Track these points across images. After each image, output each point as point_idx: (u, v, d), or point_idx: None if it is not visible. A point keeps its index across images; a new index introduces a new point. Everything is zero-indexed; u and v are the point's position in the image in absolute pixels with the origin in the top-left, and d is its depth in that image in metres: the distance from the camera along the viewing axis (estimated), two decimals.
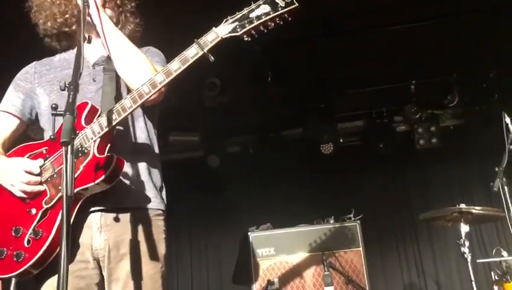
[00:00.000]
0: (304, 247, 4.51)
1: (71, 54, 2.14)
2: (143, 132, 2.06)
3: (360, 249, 4.47)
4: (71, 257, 1.84)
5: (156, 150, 2.11)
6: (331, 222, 4.68)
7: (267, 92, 5.22)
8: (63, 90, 1.66)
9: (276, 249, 4.54)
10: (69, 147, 1.48)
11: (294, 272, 4.44)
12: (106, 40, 1.96)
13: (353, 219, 4.63)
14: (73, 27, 2.08)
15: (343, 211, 4.78)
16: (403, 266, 5.89)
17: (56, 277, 1.78)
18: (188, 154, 6.29)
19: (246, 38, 1.82)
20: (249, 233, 4.65)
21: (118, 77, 2.01)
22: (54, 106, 1.63)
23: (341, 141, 6.12)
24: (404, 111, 5.84)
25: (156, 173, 2.06)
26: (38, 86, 2.10)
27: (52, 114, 1.62)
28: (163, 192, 2.08)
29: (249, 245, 4.58)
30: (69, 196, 1.45)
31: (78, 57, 1.70)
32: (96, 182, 1.77)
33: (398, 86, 5.60)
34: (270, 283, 4.37)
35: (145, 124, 2.08)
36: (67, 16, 2.07)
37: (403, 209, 5.94)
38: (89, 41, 2.06)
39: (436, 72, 5.44)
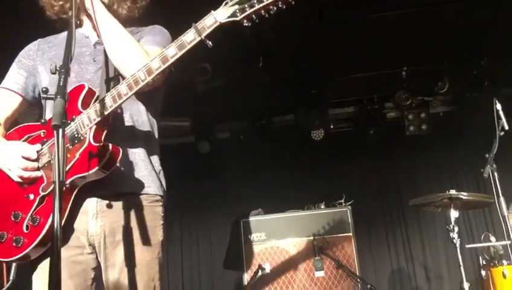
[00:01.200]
0: (295, 232, 4.54)
1: (76, 32, 2.10)
2: (141, 116, 2.03)
3: (351, 234, 4.51)
4: (66, 242, 1.83)
5: (156, 135, 2.08)
6: (322, 207, 4.71)
7: (258, 78, 5.20)
8: (54, 73, 1.60)
9: (267, 234, 4.56)
10: (60, 130, 1.45)
11: (285, 257, 4.47)
12: (98, 26, 1.92)
13: (344, 204, 4.66)
14: (70, 12, 2.03)
15: (334, 197, 4.80)
16: (391, 252, 5.96)
17: (44, 265, 1.81)
18: (179, 140, 6.26)
19: (246, 24, 1.73)
20: (240, 218, 4.66)
21: None
22: (44, 89, 1.59)
23: (332, 127, 6.12)
24: (394, 98, 5.85)
25: (155, 159, 2.04)
26: (40, 63, 2.08)
27: (43, 97, 1.59)
28: (162, 178, 2.06)
29: (240, 230, 4.60)
30: (61, 182, 1.42)
31: (70, 39, 1.66)
32: (91, 171, 1.75)
33: (389, 73, 5.61)
34: (261, 267, 4.40)
35: (144, 109, 2.05)
36: (61, 2, 2.06)
37: (392, 195, 6.00)
38: (80, 26, 2.02)
39: (427, 59, 5.45)
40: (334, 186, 5.48)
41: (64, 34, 2.11)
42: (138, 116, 2.01)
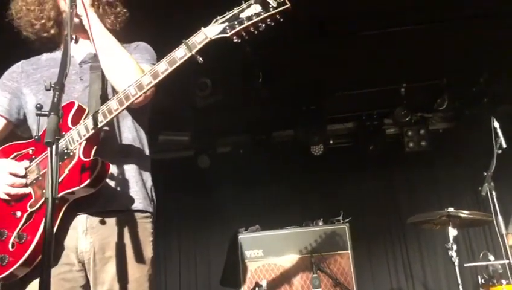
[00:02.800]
0: (293, 249, 4.50)
1: (58, 54, 2.11)
2: (131, 132, 2.02)
3: (349, 251, 4.46)
4: (56, 259, 1.81)
5: (146, 151, 2.08)
6: (320, 224, 4.67)
7: (257, 93, 5.21)
8: (48, 90, 1.61)
9: (265, 251, 4.52)
10: (54, 147, 1.45)
11: (283, 275, 4.42)
12: (93, 40, 1.92)
13: (342, 221, 4.62)
14: (52, 31, 2.05)
15: (332, 213, 4.77)
16: (391, 269, 5.91)
17: (33, 284, 1.79)
18: (178, 154, 6.26)
19: (236, 40, 1.76)
20: (238, 235, 4.63)
21: (104, 75, 1.96)
22: (38, 105, 1.61)
23: (331, 142, 6.13)
24: (394, 114, 5.86)
25: (145, 175, 2.03)
26: (25, 85, 2.07)
27: (37, 114, 1.60)
28: (153, 194, 2.05)
29: (238, 247, 4.55)
30: (54, 198, 1.42)
31: (65, 56, 1.67)
32: (81, 186, 1.74)
33: (388, 89, 5.62)
34: (258, 285, 4.35)
35: (134, 125, 2.04)
36: (43, 21, 2.03)
37: (391, 212, 5.97)
38: (76, 42, 2.03)
39: (426, 76, 5.47)
40: (333, 203, 5.46)
41: (47, 56, 2.12)
42: (128, 133, 2.01)
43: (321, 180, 6.03)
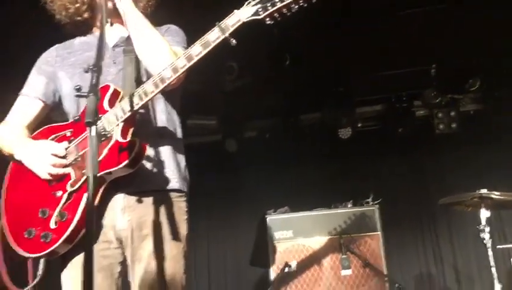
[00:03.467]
0: (322, 231, 4.52)
1: (90, 37, 2.17)
2: (165, 114, 2.07)
3: (379, 233, 4.46)
4: (95, 237, 1.87)
5: (179, 133, 2.12)
6: (349, 206, 4.67)
7: (285, 76, 5.20)
8: (87, 72, 1.67)
9: (294, 232, 4.56)
10: (93, 127, 1.50)
11: (312, 255, 4.46)
12: (128, 24, 1.96)
13: (371, 203, 4.61)
14: (85, 15, 2.10)
15: (362, 195, 4.76)
16: (420, 252, 5.86)
17: (80, 256, 1.85)
18: (206, 138, 6.31)
19: (268, 22, 1.76)
20: (267, 216, 4.67)
21: (137, 59, 2.01)
22: (77, 87, 1.65)
23: (359, 125, 6.07)
24: (423, 95, 5.76)
25: (179, 156, 2.08)
26: (60, 69, 2.13)
27: (76, 95, 1.65)
28: (187, 174, 2.10)
29: (267, 228, 4.61)
30: (95, 176, 1.47)
31: (101, 40, 1.72)
32: (119, 166, 1.80)
33: (418, 70, 5.52)
34: (287, 265, 4.40)
35: (166, 108, 2.09)
36: (77, 5, 2.08)
37: (421, 195, 5.89)
38: (111, 25, 2.06)
39: (457, 56, 5.34)
40: (362, 185, 5.42)
41: (80, 39, 2.18)
42: (162, 115, 2.05)
43: (349, 163, 5.99)
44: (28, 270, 1.97)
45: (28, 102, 2.14)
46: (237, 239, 6.10)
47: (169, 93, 2.07)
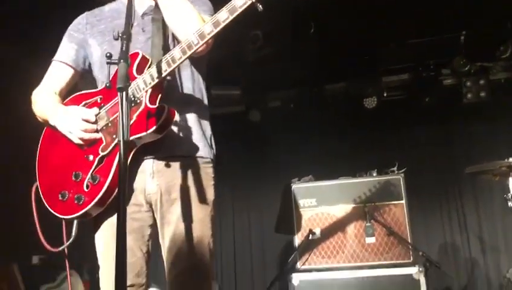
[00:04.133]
0: (346, 199, 4.54)
1: (120, 4, 2.19)
2: (191, 82, 2.09)
3: (403, 202, 4.45)
4: (126, 200, 1.94)
5: (205, 100, 2.16)
6: (374, 175, 4.67)
7: (309, 45, 5.14)
8: (116, 39, 1.71)
9: (318, 201, 4.58)
10: (124, 93, 1.54)
11: (336, 223, 4.49)
12: None
13: (397, 172, 4.59)
14: None
15: (387, 164, 4.74)
16: (445, 221, 5.85)
17: (112, 218, 1.92)
18: (230, 109, 6.34)
19: None
20: (291, 185, 4.71)
21: (165, 27, 2.03)
22: (108, 54, 1.69)
23: (385, 95, 5.99)
24: (452, 64, 5.63)
25: (205, 123, 2.12)
26: (90, 36, 2.17)
27: (107, 62, 1.68)
28: (212, 142, 2.14)
29: (291, 196, 4.64)
30: (125, 141, 1.51)
31: (130, 7, 1.75)
32: (148, 131, 1.84)
33: (446, 38, 5.38)
34: (311, 232, 4.45)
35: (193, 75, 2.11)
36: None
37: (447, 164, 5.84)
38: None
39: (487, 22, 5.17)
40: (387, 155, 5.40)
41: (110, 6, 2.21)
42: (188, 82, 2.08)
43: (374, 133, 5.96)
44: (63, 231, 2.06)
45: (60, 68, 2.19)
46: (262, 207, 6.19)
47: (196, 61, 2.10)
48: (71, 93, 2.18)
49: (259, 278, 6.00)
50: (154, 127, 1.83)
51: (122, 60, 1.56)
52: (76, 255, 2.43)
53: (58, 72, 2.19)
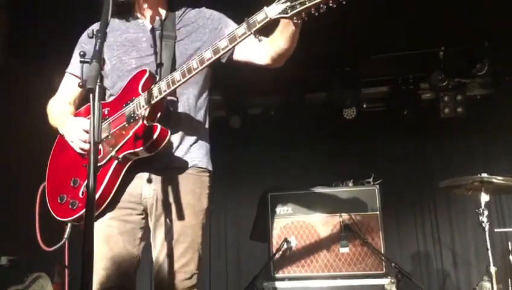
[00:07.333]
0: (322, 208, 4.57)
1: (130, 19, 2.21)
2: (194, 99, 2.15)
3: (378, 213, 4.50)
4: (120, 203, 2.03)
5: (207, 116, 2.24)
6: (350, 185, 4.70)
7: (291, 54, 5.14)
8: (91, 37, 1.71)
9: (294, 209, 4.61)
10: (96, 93, 1.52)
11: (311, 232, 4.51)
12: (285, 33, 1.95)
13: (372, 183, 4.63)
14: None
15: (363, 175, 4.78)
16: (418, 233, 5.92)
17: (98, 222, 1.99)
18: (210, 114, 6.30)
19: (296, 20, 1.78)
20: (268, 193, 4.72)
21: (174, 44, 2.11)
22: (82, 53, 1.68)
23: (364, 106, 6.05)
24: (431, 78, 5.72)
25: (204, 136, 2.20)
26: None
27: (81, 61, 1.67)
28: (209, 157, 2.22)
29: (267, 204, 4.66)
30: (96, 142, 1.51)
31: (107, 6, 1.73)
32: (137, 149, 1.92)
33: (426, 52, 5.47)
34: (286, 241, 4.46)
35: (198, 91, 2.17)
36: None
37: (423, 177, 5.92)
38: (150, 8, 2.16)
39: (466, 40, 5.28)
40: (364, 165, 5.45)
41: (119, 20, 2.22)
42: (192, 99, 2.14)
43: (353, 144, 6.01)
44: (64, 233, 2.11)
45: (71, 80, 2.25)
46: (238, 214, 6.17)
47: (205, 79, 2.20)
48: (86, 101, 2.23)
49: (234, 285, 5.97)
50: (143, 146, 1.91)
51: (94, 60, 1.54)
52: (47, 257, 2.43)
53: (70, 84, 2.26)
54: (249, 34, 1.79)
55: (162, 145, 1.93)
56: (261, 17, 1.77)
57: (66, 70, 2.29)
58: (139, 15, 2.20)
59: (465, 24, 4.83)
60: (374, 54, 5.54)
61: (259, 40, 1.81)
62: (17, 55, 4.46)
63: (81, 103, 2.27)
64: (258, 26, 1.77)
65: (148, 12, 2.17)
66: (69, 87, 2.26)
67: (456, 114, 5.79)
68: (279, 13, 1.74)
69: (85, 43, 2.21)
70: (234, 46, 1.83)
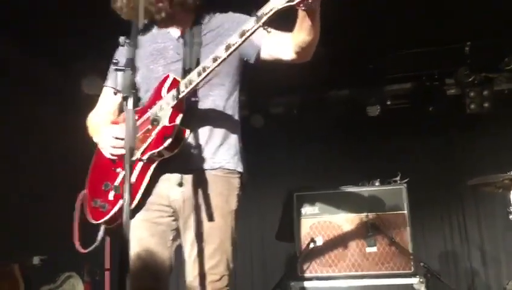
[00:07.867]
0: (348, 208, 4.54)
1: (159, 30, 2.28)
2: (222, 100, 2.17)
3: (405, 212, 4.45)
4: (150, 205, 2.09)
5: (236, 115, 2.23)
6: (377, 184, 4.66)
7: (314, 52, 5.11)
8: (122, 46, 1.74)
9: (321, 209, 4.58)
10: (130, 100, 1.55)
11: (338, 232, 4.49)
12: (306, 23, 1.95)
13: (399, 182, 4.58)
14: (163, 14, 2.14)
15: (389, 174, 4.73)
16: (446, 232, 5.84)
17: (139, 214, 2.06)
18: None
19: (302, 8, 1.81)
20: (293, 192, 4.71)
21: (199, 49, 2.14)
22: (115, 61, 1.72)
23: (388, 103, 5.98)
24: (456, 74, 5.62)
25: (234, 137, 2.19)
26: None
27: (115, 69, 1.69)
28: (241, 155, 2.21)
29: (293, 204, 4.65)
30: (131, 147, 1.54)
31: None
32: (158, 149, 1.97)
33: (451, 48, 5.38)
34: (313, 241, 4.45)
35: (226, 92, 2.18)
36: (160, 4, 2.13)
37: (449, 175, 5.82)
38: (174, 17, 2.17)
39: (492, 33, 5.17)
40: (390, 164, 5.37)
41: (148, 34, 2.29)
42: (219, 101, 2.16)
43: (377, 142, 5.95)
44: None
45: (109, 93, 2.34)
46: (263, 215, 6.16)
47: (233, 80, 2.21)
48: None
49: (260, 285, 5.98)
50: (163, 145, 1.96)
51: (128, 68, 1.56)
52: (77, 257, 2.50)
53: (108, 97, 2.35)
54: (258, 27, 1.81)
55: (182, 144, 1.98)
56: (267, 9, 1.80)
57: (104, 84, 2.38)
58: (169, 30, 2.26)
59: (491, 17, 4.73)
60: (398, 50, 5.47)
61: (268, 32, 1.86)
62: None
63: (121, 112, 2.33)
64: (265, 18, 1.79)
65: (176, 22, 2.22)
66: (107, 99, 2.35)
67: (482, 110, 5.69)
68: (286, 2, 1.75)
69: (119, 56, 2.24)
70: (244, 40, 1.85)
